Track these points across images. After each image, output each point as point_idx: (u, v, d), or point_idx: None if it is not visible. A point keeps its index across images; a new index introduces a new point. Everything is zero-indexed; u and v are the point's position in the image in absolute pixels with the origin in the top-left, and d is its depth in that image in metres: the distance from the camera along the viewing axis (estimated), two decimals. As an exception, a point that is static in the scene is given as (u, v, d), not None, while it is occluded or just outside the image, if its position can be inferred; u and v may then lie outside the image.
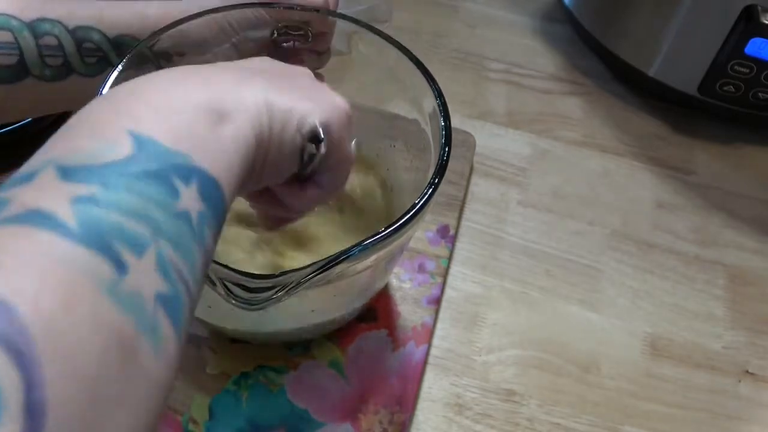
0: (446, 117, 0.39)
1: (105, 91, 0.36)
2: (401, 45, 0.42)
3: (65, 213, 0.18)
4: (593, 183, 0.61)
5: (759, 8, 0.54)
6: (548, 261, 0.55)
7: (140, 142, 0.21)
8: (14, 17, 0.38)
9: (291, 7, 0.43)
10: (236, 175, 0.25)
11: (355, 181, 0.49)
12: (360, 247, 0.32)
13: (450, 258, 0.53)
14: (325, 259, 0.32)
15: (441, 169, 0.37)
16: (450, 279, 0.53)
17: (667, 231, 0.58)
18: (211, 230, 0.23)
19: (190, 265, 0.21)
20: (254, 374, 0.45)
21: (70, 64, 0.40)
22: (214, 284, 0.32)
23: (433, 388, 0.47)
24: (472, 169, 0.60)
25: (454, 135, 0.39)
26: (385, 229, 0.33)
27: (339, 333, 0.47)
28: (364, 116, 0.46)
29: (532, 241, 0.56)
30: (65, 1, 0.40)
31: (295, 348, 0.47)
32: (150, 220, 0.20)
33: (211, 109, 0.24)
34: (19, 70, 0.38)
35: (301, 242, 0.46)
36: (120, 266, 0.18)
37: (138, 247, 0.19)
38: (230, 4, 0.42)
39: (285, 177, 0.30)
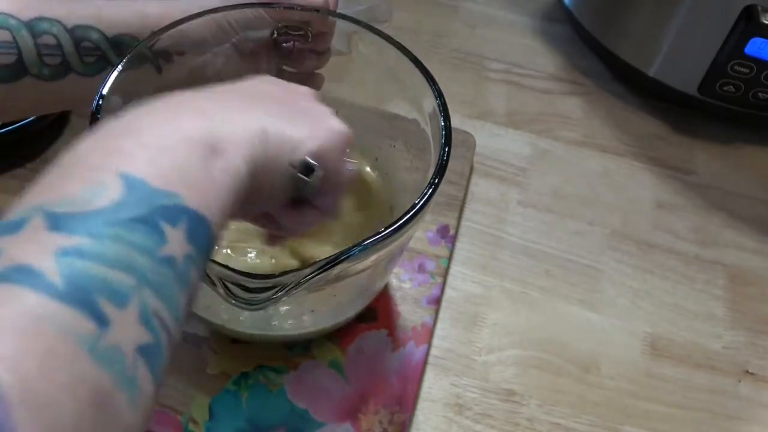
0: (446, 117, 0.39)
1: (105, 91, 0.36)
2: (401, 45, 0.42)
3: (50, 268, 0.19)
4: (593, 183, 0.61)
5: (759, 8, 0.54)
6: (548, 261, 0.55)
7: (130, 184, 0.22)
8: (12, 16, 0.38)
9: (291, 7, 0.43)
10: (226, 208, 0.25)
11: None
12: (360, 247, 0.32)
13: (450, 258, 0.53)
14: (324, 259, 0.32)
15: (441, 169, 0.36)
16: (450, 279, 0.53)
17: (667, 231, 0.58)
18: (196, 269, 0.23)
19: (173, 309, 0.22)
20: (254, 374, 0.45)
21: (69, 63, 0.40)
22: (214, 284, 0.32)
23: (433, 388, 0.47)
24: (472, 169, 0.60)
25: (454, 135, 0.39)
26: (385, 229, 0.33)
27: (339, 333, 0.47)
28: (364, 116, 0.46)
29: (532, 241, 0.56)
30: (63, 0, 0.40)
31: (295, 348, 0.46)
32: (134, 269, 0.20)
33: (204, 143, 0.25)
34: (18, 70, 0.38)
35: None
36: (102, 321, 0.19)
37: (121, 299, 0.20)
38: (230, 3, 0.42)
39: (280, 202, 0.31)
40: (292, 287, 0.31)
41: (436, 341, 0.49)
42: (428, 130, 0.42)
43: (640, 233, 0.58)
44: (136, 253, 0.21)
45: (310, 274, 0.32)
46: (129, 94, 0.39)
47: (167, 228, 0.22)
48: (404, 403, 0.45)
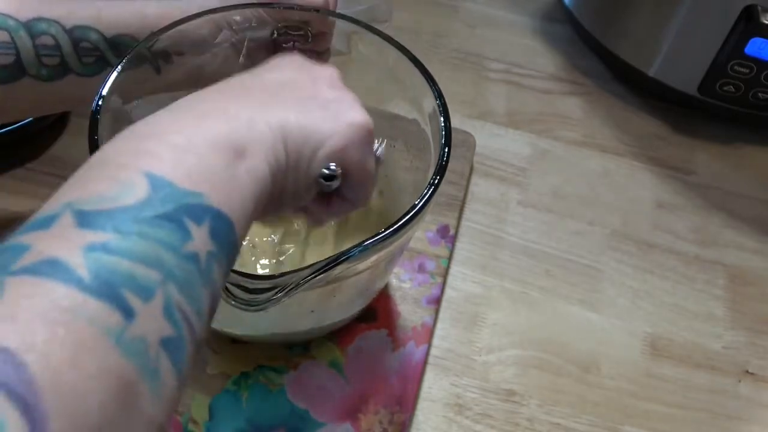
0: (446, 117, 0.39)
1: (105, 91, 0.36)
2: (401, 45, 0.42)
3: (78, 262, 0.19)
4: (593, 183, 0.61)
5: (759, 8, 0.54)
6: (548, 261, 0.55)
7: (155, 183, 0.22)
8: (10, 17, 0.38)
9: (291, 7, 0.43)
10: (249, 210, 0.25)
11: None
12: (360, 248, 0.32)
13: (450, 258, 0.53)
14: (325, 259, 0.32)
15: (441, 169, 0.36)
16: (450, 279, 0.53)
17: (667, 231, 0.58)
18: (220, 268, 0.24)
19: (196, 305, 0.22)
20: (254, 374, 0.45)
21: (67, 63, 0.40)
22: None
23: (433, 388, 0.47)
24: (472, 169, 0.60)
25: (454, 135, 0.39)
26: (385, 229, 0.33)
27: (339, 333, 0.47)
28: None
29: (532, 241, 0.56)
30: (62, 0, 0.40)
31: (295, 348, 0.46)
32: (160, 264, 0.21)
33: (229, 145, 0.25)
34: (16, 70, 0.38)
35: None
36: (128, 313, 0.19)
37: (146, 292, 0.20)
38: (230, 4, 0.42)
39: (306, 202, 0.31)
40: (293, 288, 0.31)
41: (436, 341, 0.49)
42: (428, 130, 0.42)
43: (640, 233, 0.58)
44: (161, 249, 0.21)
45: (311, 274, 0.31)
46: (129, 95, 0.39)
47: (192, 225, 0.22)
48: (404, 403, 0.45)
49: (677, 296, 0.54)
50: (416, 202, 0.35)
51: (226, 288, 0.31)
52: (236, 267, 0.31)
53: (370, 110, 0.32)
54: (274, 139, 0.27)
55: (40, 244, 0.20)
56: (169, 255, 0.21)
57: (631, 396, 0.48)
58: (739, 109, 0.62)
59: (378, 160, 0.33)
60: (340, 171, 0.30)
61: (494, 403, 0.47)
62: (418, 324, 0.49)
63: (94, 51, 0.40)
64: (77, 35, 0.39)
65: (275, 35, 0.44)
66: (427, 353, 0.48)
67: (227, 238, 0.24)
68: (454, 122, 0.40)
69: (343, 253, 0.32)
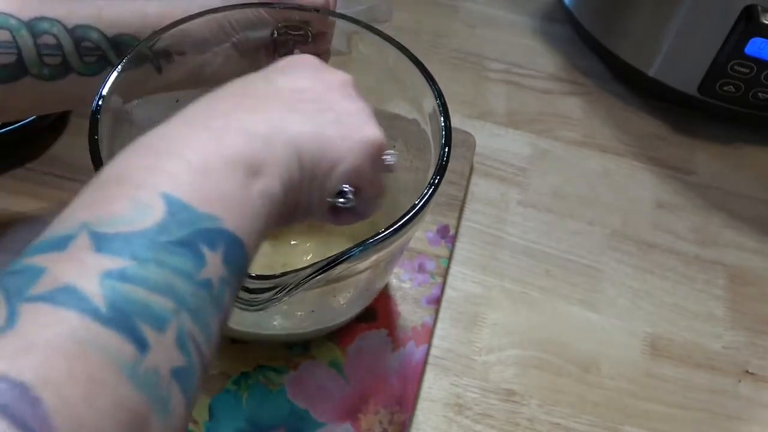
0: (446, 117, 0.39)
1: (105, 91, 0.36)
2: (401, 45, 0.42)
3: (94, 291, 0.19)
4: (593, 183, 0.61)
5: (759, 8, 0.54)
6: (548, 261, 0.55)
7: (172, 205, 0.22)
8: (12, 16, 0.38)
9: (291, 7, 0.43)
10: (261, 230, 0.25)
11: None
12: (360, 248, 0.32)
13: (450, 258, 0.53)
14: (325, 259, 0.32)
15: (441, 169, 0.36)
16: (450, 279, 0.53)
17: (667, 231, 0.58)
18: (230, 292, 0.24)
19: (207, 331, 0.22)
20: (254, 374, 0.45)
21: (69, 63, 0.40)
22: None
23: (433, 388, 0.47)
24: (472, 169, 0.60)
25: (454, 135, 0.39)
26: (385, 229, 0.33)
27: (339, 333, 0.47)
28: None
29: (532, 241, 0.56)
30: (64, 0, 0.40)
31: (295, 348, 0.46)
32: (174, 293, 0.21)
33: (246, 165, 0.25)
34: (18, 69, 0.38)
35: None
36: (142, 345, 0.19)
37: (160, 323, 0.20)
38: (231, 3, 0.42)
39: (317, 218, 0.31)
40: (293, 288, 0.31)
41: (436, 341, 0.49)
42: (428, 130, 0.42)
43: (640, 233, 0.58)
44: (176, 278, 0.21)
45: (311, 274, 0.32)
46: (129, 94, 0.40)
47: (206, 251, 0.22)
48: (404, 403, 0.45)
49: (677, 296, 0.54)
50: (416, 202, 0.35)
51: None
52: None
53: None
54: (290, 157, 0.27)
55: (56, 268, 0.20)
56: (184, 283, 0.21)
57: (631, 396, 0.48)
58: (739, 109, 0.62)
59: (388, 168, 0.32)
60: (353, 189, 0.30)
61: (494, 403, 0.47)
62: (418, 324, 0.49)
63: (96, 50, 0.40)
64: (79, 34, 0.39)
65: (275, 35, 0.44)
66: (427, 353, 0.48)
67: (239, 261, 0.24)
68: (454, 122, 0.40)
69: (343, 253, 0.32)
